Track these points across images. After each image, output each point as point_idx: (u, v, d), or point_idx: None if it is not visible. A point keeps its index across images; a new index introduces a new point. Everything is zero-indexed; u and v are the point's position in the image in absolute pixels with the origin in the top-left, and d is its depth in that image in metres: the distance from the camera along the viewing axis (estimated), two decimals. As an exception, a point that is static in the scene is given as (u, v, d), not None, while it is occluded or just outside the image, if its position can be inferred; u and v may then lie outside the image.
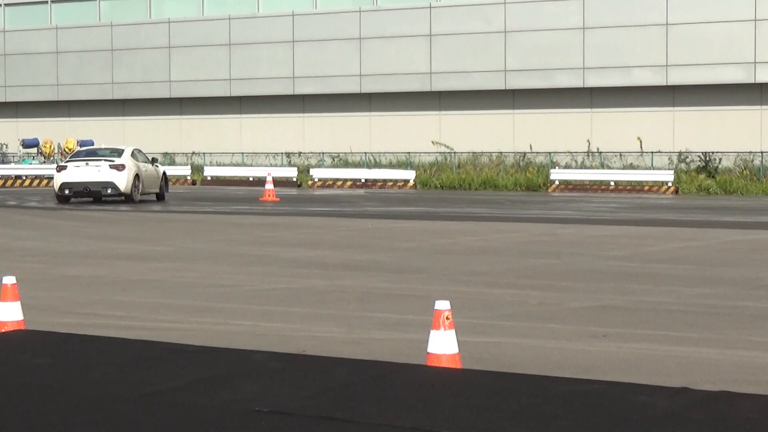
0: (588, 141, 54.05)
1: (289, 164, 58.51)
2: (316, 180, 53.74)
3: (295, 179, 54.10)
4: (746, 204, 37.93)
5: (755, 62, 50.42)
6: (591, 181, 50.30)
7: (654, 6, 52.25)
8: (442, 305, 7.97)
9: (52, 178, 53.07)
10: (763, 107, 51.10)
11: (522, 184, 50.83)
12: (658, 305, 12.61)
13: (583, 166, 53.26)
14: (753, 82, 50.63)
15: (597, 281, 14.84)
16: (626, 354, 9.67)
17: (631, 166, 52.51)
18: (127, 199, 34.98)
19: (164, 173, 38.30)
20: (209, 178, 56.34)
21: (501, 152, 54.95)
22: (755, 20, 50.48)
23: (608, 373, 8.62)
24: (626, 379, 8.02)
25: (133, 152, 36.11)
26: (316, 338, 10.44)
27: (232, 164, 60.04)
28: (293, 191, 48.51)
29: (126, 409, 6.41)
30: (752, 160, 50.21)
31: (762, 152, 49.88)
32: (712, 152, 50.32)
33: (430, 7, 56.56)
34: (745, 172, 49.19)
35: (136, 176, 35.18)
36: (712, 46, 51.06)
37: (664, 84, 52.24)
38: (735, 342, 10.27)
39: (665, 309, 12.33)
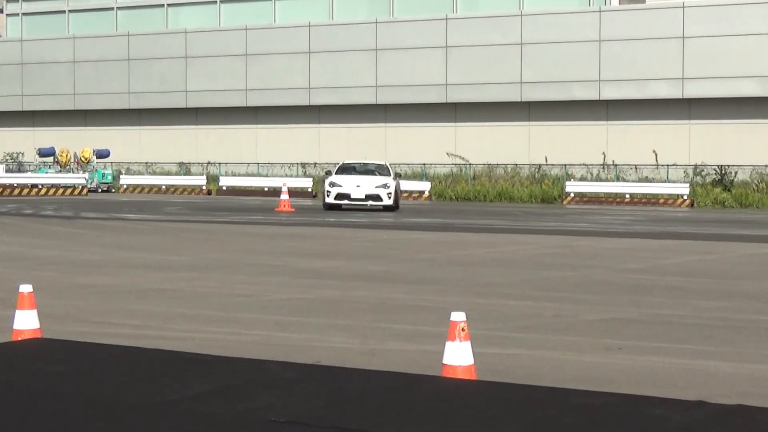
0: (603, 153, 54.03)
1: (305, 175, 58.56)
2: (332, 190, 53.76)
3: (310, 190, 54.11)
4: (762, 217, 37.85)
5: (772, 75, 50.36)
6: (606, 193, 50.23)
7: (671, 19, 52.23)
8: (458, 316, 7.96)
9: (71, 187, 53.34)
10: (780, 121, 51.04)
11: (537, 196, 50.80)
12: (674, 318, 12.59)
13: (598, 179, 53.21)
14: (769, 95, 50.59)
15: (612, 294, 14.82)
16: (642, 367, 9.65)
17: (647, 179, 52.44)
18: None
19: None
20: (224, 188, 56.40)
21: (516, 164, 54.93)
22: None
23: (623, 386, 8.61)
24: (641, 392, 8.00)
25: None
26: (331, 349, 10.44)
27: (247, 174, 60.14)
28: (308, 201, 48.56)
29: (141, 417, 6.42)
30: (768, 174, 50.15)
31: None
32: (728, 165, 50.25)
33: (447, 19, 56.61)
34: (761, 185, 49.08)
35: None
36: (729, 59, 51.00)
37: (680, 97, 52.20)
38: (751, 355, 10.24)
39: (681, 322, 12.30)
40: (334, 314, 12.78)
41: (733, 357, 10.16)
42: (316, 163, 59.52)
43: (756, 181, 49.72)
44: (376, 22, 58.15)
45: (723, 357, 10.16)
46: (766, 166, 50.35)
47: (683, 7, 52.11)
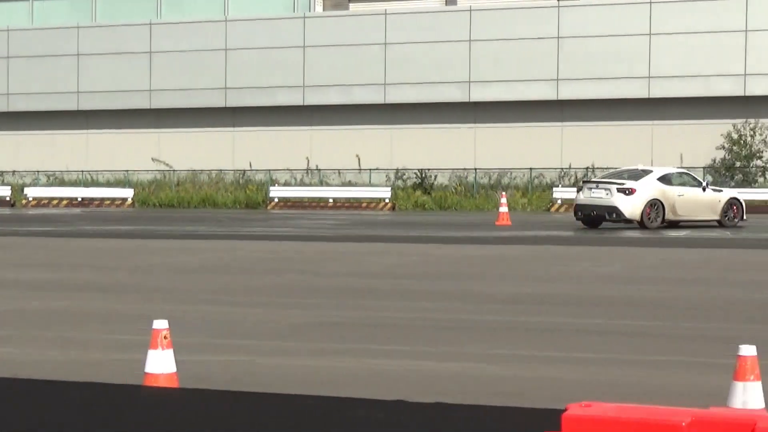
0: (307, 158, 54.51)
1: (2, 183, 56.65)
2: (31, 199, 52.25)
3: (8, 198, 52.43)
4: (460, 219, 38.97)
5: (470, 81, 51.93)
6: (310, 198, 50.71)
7: (373, 25, 53.17)
8: (160, 324, 7.87)
9: None
10: (477, 125, 52.67)
11: (242, 201, 50.81)
12: (379, 320, 12.78)
13: (302, 184, 53.64)
14: (468, 100, 52.14)
15: (318, 297, 14.94)
16: (347, 368, 9.76)
17: (350, 184, 53.20)
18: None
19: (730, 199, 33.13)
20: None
21: (221, 170, 54.78)
22: (470, 40, 51.99)
23: (328, 388, 8.67)
24: (346, 394, 8.07)
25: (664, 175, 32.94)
26: (22, 360, 10.14)
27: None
28: (6, 210, 47.12)
29: None
30: (466, 177, 51.68)
31: (475, 169, 51.41)
32: (428, 169, 51.51)
33: (150, 24, 55.95)
34: (459, 188, 50.55)
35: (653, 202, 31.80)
36: (428, 64, 52.24)
37: (383, 102, 53.20)
38: (451, 354, 10.48)
39: (385, 323, 12.51)
40: (30, 326, 12.42)
41: (433, 356, 10.38)
42: (14, 171, 57.64)
43: (455, 184, 51.17)
44: (78, 27, 56.97)
45: (423, 356, 10.38)
46: (464, 169, 51.87)
47: (384, 14, 53.11)
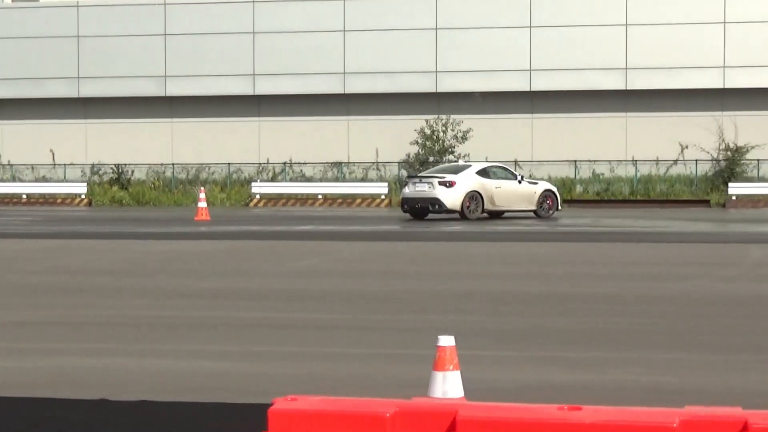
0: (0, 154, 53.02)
1: None
2: None
3: None
4: (157, 214, 38.64)
5: (165, 76, 51.50)
6: (1, 194, 49.27)
7: (65, 19, 52.06)
8: None
9: None
10: (174, 120, 52.33)
11: None
12: (78, 318, 12.55)
13: (-7, 179, 52.12)
14: (164, 95, 51.73)
15: (13, 296, 14.53)
16: (46, 368, 9.52)
17: (44, 179, 52.00)
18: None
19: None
20: None
21: None
22: (165, 34, 51.56)
23: (27, 389, 8.45)
24: (46, 395, 7.89)
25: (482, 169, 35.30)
26: None
27: None
28: None
29: None
30: (164, 172, 51.30)
31: (173, 164, 51.09)
32: (125, 164, 50.87)
33: None
34: (157, 183, 50.14)
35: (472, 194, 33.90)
36: (122, 58, 51.55)
37: (77, 96, 52.19)
38: (151, 351, 10.39)
39: (85, 321, 12.28)
40: None
41: (134, 354, 10.26)
42: None
43: (153, 179, 50.73)
44: None
45: (124, 354, 10.25)
46: (162, 164, 51.46)
47: (77, 6, 52.08)
